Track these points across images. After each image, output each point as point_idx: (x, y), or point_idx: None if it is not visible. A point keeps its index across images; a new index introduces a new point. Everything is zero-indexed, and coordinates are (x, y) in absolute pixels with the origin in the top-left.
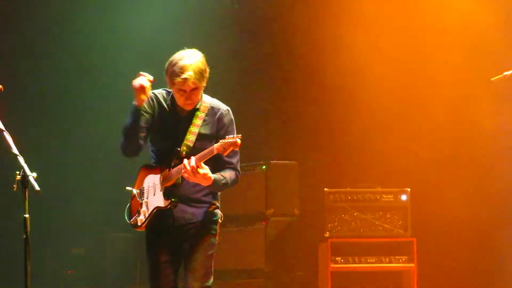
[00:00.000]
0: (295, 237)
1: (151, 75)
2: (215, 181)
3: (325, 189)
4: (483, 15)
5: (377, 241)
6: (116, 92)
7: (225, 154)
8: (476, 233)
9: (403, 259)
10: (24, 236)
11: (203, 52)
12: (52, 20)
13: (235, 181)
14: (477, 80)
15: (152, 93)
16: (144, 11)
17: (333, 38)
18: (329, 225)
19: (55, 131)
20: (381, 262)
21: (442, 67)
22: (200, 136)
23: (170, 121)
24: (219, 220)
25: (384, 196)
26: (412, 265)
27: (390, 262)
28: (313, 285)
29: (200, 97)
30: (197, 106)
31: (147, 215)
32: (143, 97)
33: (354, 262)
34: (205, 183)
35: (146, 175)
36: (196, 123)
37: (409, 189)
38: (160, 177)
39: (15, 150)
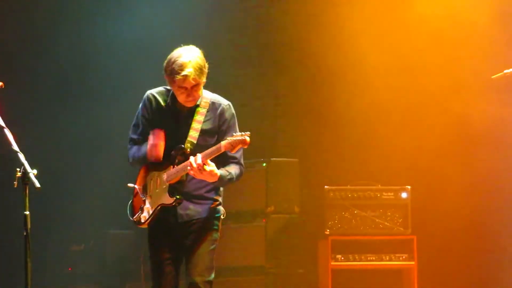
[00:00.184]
0: (295, 234)
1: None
2: (221, 177)
3: (325, 186)
4: (478, 13)
5: (377, 239)
6: (118, 90)
7: (233, 152)
8: (476, 231)
9: (404, 257)
10: (25, 233)
11: (200, 48)
12: (54, 15)
13: (239, 176)
14: (479, 79)
15: (150, 94)
16: (139, 9)
17: (335, 36)
18: (330, 222)
19: (55, 127)
20: (381, 260)
21: (445, 66)
22: (202, 132)
23: (171, 119)
24: (222, 217)
25: (384, 193)
26: (412, 263)
27: (390, 260)
28: (313, 282)
29: (200, 94)
30: (198, 102)
31: (150, 212)
32: None
33: (354, 260)
34: (211, 180)
35: (149, 172)
36: (198, 119)
37: (409, 187)
38: (164, 174)
39: (15, 147)
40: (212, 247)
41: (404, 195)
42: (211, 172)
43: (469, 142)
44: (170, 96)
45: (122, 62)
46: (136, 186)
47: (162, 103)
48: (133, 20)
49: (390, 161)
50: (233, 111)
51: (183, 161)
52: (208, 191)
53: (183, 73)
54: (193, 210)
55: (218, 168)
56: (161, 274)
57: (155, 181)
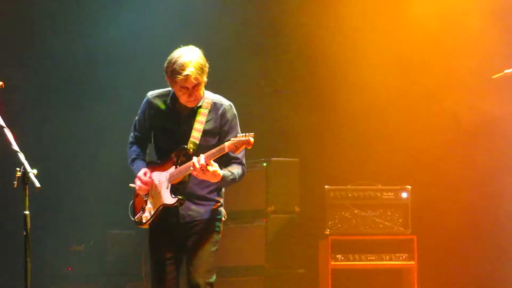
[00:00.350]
0: (295, 234)
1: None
2: (223, 178)
3: (325, 186)
4: (475, 12)
5: (377, 239)
6: (119, 89)
7: (237, 152)
8: (476, 231)
9: (404, 256)
10: (24, 233)
11: (200, 48)
12: (56, 13)
13: (242, 176)
14: (479, 78)
15: (150, 95)
16: (143, 7)
17: (334, 35)
18: (330, 222)
19: (55, 127)
20: (382, 259)
21: (446, 65)
22: (205, 133)
23: (172, 120)
24: (223, 218)
25: (384, 193)
26: (413, 263)
27: (390, 259)
28: (314, 282)
29: (202, 93)
30: (200, 103)
31: (152, 213)
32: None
33: (354, 260)
34: (214, 180)
35: (151, 172)
36: (200, 119)
37: (409, 187)
38: (167, 175)
39: (15, 147)
40: (213, 248)
41: (404, 195)
42: (214, 172)
43: (469, 142)
44: (170, 97)
45: (122, 61)
46: (136, 183)
47: (162, 105)
48: (133, 16)
49: (391, 161)
50: (235, 111)
51: (186, 162)
52: (210, 192)
53: (185, 73)
54: (195, 211)
55: (221, 168)
56: (161, 274)
57: (158, 182)
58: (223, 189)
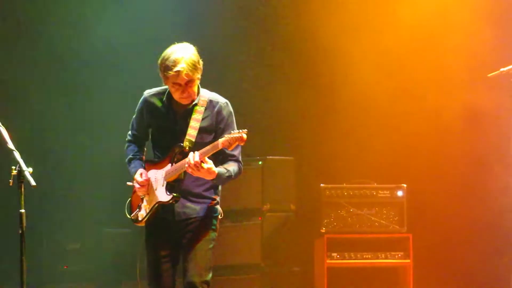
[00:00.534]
0: (291, 232)
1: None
2: (219, 175)
3: (321, 184)
4: (469, 11)
5: (373, 237)
6: (117, 88)
7: (230, 149)
8: (471, 229)
9: (399, 255)
10: (20, 231)
11: (196, 46)
12: (53, 10)
13: (238, 173)
14: (475, 75)
15: (147, 94)
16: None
17: (329, 35)
18: (325, 220)
19: (51, 126)
20: (377, 258)
21: (439, 63)
22: (201, 130)
23: (168, 118)
24: (219, 216)
25: (380, 192)
26: (408, 261)
27: (386, 258)
28: (309, 280)
29: (196, 91)
30: (196, 101)
31: (148, 210)
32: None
33: (350, 258)
34: (209, 177)
35: (148, 170)
36: (196, 117)
37: (405, 185)
38: (163, 172)
39: (11, 145)
40: (209, 246)
41: (399, 193)
42: (208, 169)
43: (465, 140)
44: (167, 95)
45: (121, 59)
46: (134, 184)
47: (159, 103)
48: (132, 14)
49: (386, 160)
50: (231, 109)
51: (182, 159)
52: (206, 190)
53: (176, 69)
54: (191, 208)
55: (217, 166)
56: (157, 272)
57: (154, 179)
58: (219, 187)
